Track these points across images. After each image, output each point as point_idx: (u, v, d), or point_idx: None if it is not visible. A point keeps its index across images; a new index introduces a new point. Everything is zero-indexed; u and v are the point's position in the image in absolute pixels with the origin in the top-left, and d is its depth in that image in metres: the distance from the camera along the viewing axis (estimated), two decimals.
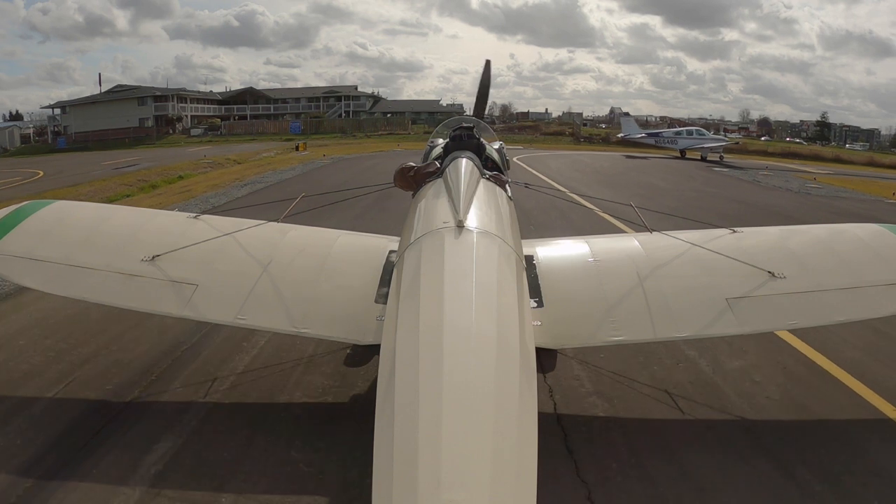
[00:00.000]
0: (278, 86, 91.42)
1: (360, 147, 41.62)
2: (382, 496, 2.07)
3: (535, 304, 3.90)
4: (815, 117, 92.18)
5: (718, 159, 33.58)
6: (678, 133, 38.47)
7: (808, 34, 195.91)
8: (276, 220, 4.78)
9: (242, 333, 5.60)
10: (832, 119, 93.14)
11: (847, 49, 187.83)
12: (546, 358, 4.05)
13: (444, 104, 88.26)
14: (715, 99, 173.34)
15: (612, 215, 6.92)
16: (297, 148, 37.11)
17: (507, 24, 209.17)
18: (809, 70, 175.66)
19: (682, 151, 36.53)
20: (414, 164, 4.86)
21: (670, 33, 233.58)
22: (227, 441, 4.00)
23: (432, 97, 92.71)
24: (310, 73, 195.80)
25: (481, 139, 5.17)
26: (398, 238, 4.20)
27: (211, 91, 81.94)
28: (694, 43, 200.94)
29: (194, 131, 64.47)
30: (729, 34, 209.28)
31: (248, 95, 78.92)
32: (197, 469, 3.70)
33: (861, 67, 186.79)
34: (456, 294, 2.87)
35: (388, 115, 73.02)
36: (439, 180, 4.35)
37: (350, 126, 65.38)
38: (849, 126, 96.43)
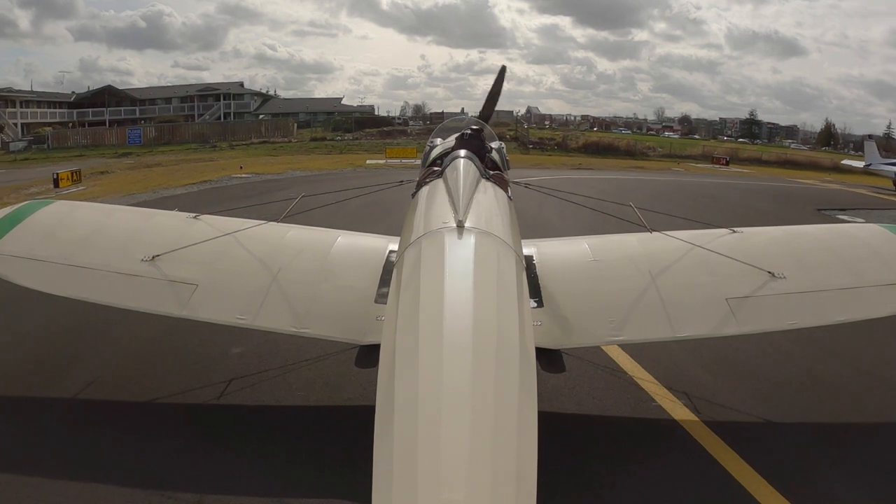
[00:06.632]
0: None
1: (185, 174, 29.12)
2: (382, 496, 2.14)
3: (535, 304, 4.02)
4: (723, 114, 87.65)
5: None
6: None
7: (717, 34, 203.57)
8: (276, 220, 4.86)
9: None
10: (740, 116, 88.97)
11: (753, 49, 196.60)
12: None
13: (356, 104, 76.72)
14: (625, 98, 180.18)
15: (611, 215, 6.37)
16: (55, 183, 24.38)
17: (419, 24, 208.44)
18: (717, 69, 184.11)
19: None
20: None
21: (580, 34, 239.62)
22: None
23: (337, 97, 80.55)
24: (219, 76, 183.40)
25: (484, 141, 5.34)
26: (398, 238, 4.29)
27: (73, 92, 67.47)
28: (604, 43, 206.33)
29: (15, 145, 50.54)
30: (639, 34, 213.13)
31: (106, 95, 65.77)
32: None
33: (767, 66, 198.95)
34: (456, 294, 2.95)
35: (263, 118, 60.26)
36: (439, 180, 4.49)
37: (214, 132, 52.57)
38: (773, 124, 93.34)
